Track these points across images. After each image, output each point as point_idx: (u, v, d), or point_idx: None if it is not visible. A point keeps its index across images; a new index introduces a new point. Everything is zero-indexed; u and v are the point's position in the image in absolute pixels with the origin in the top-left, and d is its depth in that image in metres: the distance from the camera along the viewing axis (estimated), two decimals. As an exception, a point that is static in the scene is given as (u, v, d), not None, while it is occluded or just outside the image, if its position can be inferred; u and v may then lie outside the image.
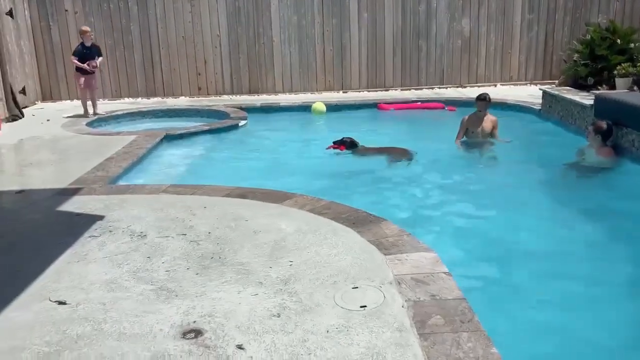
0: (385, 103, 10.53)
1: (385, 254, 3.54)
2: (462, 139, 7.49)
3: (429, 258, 3.45)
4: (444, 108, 10.27)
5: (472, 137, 7.44)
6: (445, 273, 3.24)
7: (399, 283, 3.15)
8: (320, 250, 3.68)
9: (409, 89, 12.07)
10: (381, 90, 12.03)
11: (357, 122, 9.53)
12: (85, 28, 9.74)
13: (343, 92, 12.02)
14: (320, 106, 9.99)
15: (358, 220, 4.15)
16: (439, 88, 12.16)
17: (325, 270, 3.38)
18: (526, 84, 12.31)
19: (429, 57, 12.16)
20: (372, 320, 2.81)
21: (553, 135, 8.13)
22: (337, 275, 3.31)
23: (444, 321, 2.75)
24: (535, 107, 9.48)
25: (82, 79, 9.68)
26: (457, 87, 12.22)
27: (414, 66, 12.17)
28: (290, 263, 3.51)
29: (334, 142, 7.13)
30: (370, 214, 4.25)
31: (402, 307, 2.92)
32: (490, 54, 12.27)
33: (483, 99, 7.44)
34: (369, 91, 12.02)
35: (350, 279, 3.26)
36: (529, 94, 10.91)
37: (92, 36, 9.72)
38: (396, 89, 12.09)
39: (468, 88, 12.04)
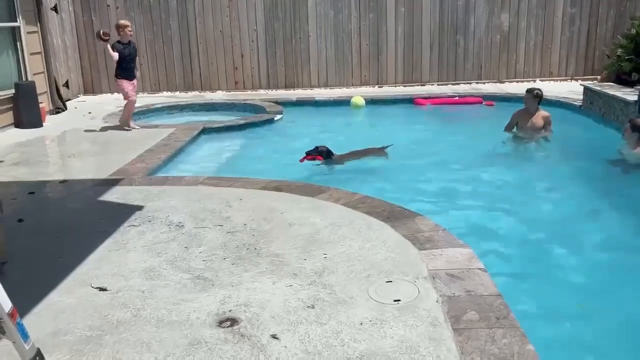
0: (422, 98, 10.44)
1: (419, 249, 3.53)
2: (512, 132, 7.36)
3: (465, 254, 3.42)
4: (482, 103, 10.12)
5: (521, 131, 7.31)
6: (480, 269, 3.21)
7: (434, 278, 3.13)
8: (354, 244, 3.69)
9: (446, 84, 11.93)
10: (417, 85, 11.92)
11: (393, 117, 9.49)
12: (125, 22, 8.08)
13: (379, 87, 11.96)
14: (359, 100, 9.96)
15: (392, 215, 4.14)
16: (477, 83, 11.98)
17: (359, 264, 3.39)
18: (567, 80, 12.01)
19: (467, 52, 11.98)
20: (406, 314, 2.81)
21: (594, 132, 7.93)
22: (370, 269, 3.31)
23: (478, 317, 2.72)
24: (575, 103, 9.24)
25: (131, 87, 8.05)
26: (495, 82, 12.01)
27: (451, 61, 12.01)
28: (324, 256, 3.53)
29: (307, 153, 6.33)
30: (405, 209, 4.25)
31: (437, 302, 2.90)
32: (529, 49, 12.01)
33: (527, 91, 7.34)
34: (404, 86, 11.93)
35: (384, 273, 3.26)
36: (570, 90, 10.64)
37: (131, 32, 8.15)
38: (432, 84, 11.96)
39: (506, 83, 11.83)
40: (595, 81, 10.11)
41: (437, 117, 9.43)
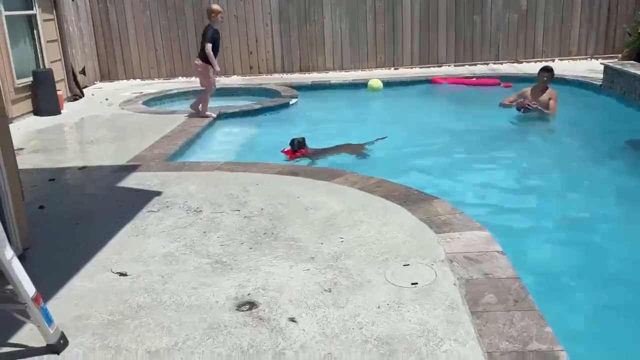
0: (439, 77, 10.34)
1: (437, 232, 3.52)
2: (512, 107, 7.35)
3: (482, 237, 3.40)
4: (499, 84, 9.99)
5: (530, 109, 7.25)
6: (498, 252, 3.20)
7: (451, 261, 3.13)
8: (371, 228, 3.69)
9: (463, 65, 11.79)
10: (434, 67, 11.80)
11: (410, 99, 9.42)
12: (218, 7, 7.51)
13: (394, 69, 11.86)
14: (376, 83, 9.87)
15: (409, 199, 4.13)
16: (494, 64, 11.81)
17: (376, 248, 3.40)
18: (586, 59, 11.78)
19: (484, 32, 11.81)
20: (424, 298, 2.81)
21: (614, 111, 7.79)
22: (388, 253, 3.31)
23: (496, 300, 2.71)
24: (595, 82, 9.07)
25: (212, 74, 7.74)
26: (513, 62, 11.83)
27: (467, 42, 11.85)
28: (341, 240, 3.54)
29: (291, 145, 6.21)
30: (422, 192, 4.23)
31: (454, 285, 2.90)
32: (548, 28, 11.79)
33: (542, 69, 7.29)
34: (420, 67, 11.82)
35: (401, 257, 3.26)
36: (589, 68, 10.46)
37: (222, 19, 7.62)
38: (449, 65, 11.83)
39: (524, 64, 11.64)
40: (616, 60, 9.90)
41: (454, 99, 9.35)
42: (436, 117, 8.00)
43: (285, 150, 6.18)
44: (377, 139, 6.38)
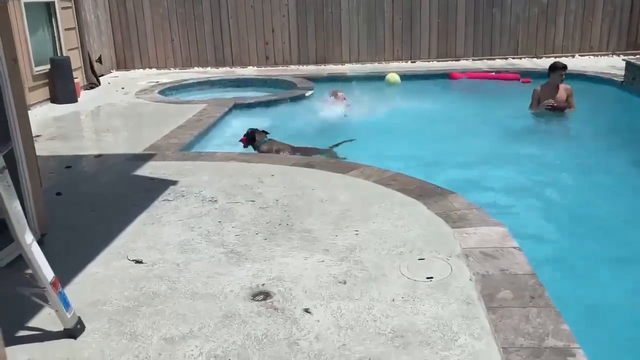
0: (458, 72, 10.28)
1: (453, 227, 3.52)
2: (537, 110, 7.26)
3: (499, 232, 3.39)
4: (519, 79, 9.90)
5: (553, 107, 7.18)
6: (515, 248, 3.19)
7: (467, 256, 3.13)
8: (386, 221, 3.70)
9: (481, 59, 11.71)
10: (452, 60, 11.73)
11: (428, 93, 9.36)
12: None
13: (412, 62, 11.81)
14: (394, 77, 9.85)
15: (425, 193, 4.12)
16: (513, 58, 11.71)
17: (391, 241, 3.40)
18: (608, 55, 11.64)
19: (503, 26, 11.70)
20: (439, 292, 2.81)
21: (636, 108, 7.69)
22: (402, 246, 3.32)
23: (512, 295, 2.71)
24: (617, 79, 8.96)
25: None
26: (532, 57, 11.72)
27: (487, 35, 11.75)
28: (356, 232, 3.55)
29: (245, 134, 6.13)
30: (438, 187, 4.22)
31: (470, 280, 2.90)
32: (569, 23, 11.65)
33: (560, 67, 7.19)
34: (438, 61, 11.75)
35: (416, 251, 3.26)
36: (610, 64, 10.32)
37: None
38: (467, 59, 11.75)
39: (544, 59, 11.51)
40: (639, 56, 9.76)
41: (473, 94, 9.29)
42: (454, 112, 7.96)
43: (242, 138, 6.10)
44: (344, 141, 6.10)
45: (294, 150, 5.96)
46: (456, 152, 6.07)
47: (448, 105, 8.46)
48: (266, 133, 6.11)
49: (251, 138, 6.03)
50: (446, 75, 10.31)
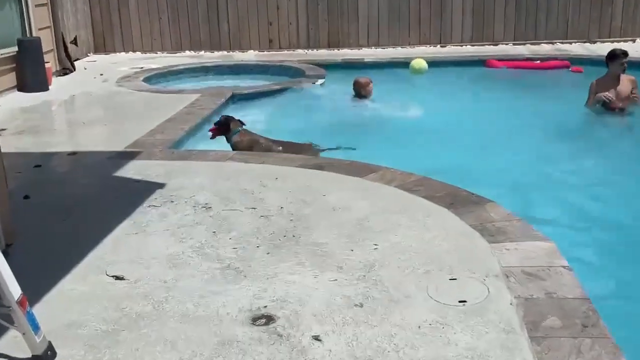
0: (496, 59, 10.27)
1: (490, 242, 3.51)
2: (594, 107, 7.23)
3: (545, 248, 3.38)
4: (568, 68, 9.87)
5: (606, 104, 7.15)
6: (564, 267, 3.17)
7: (507, 276, 3.12)
8: (410, 234, 3.70)
9: (524, 44, 11.69)
10: (488, 45, 11.74)
11: (460, 83, 9.36)
12: None
13: (441, 47, 11.82)
14: (420, 63, 9.84)
15: (457, 201, 4.12)
16: (562, 43, 11.69)
17: (417, 257, 3.40)
18: (675, 39, 11.59)
19: (550, 6, 11.69)
20: (473, 318, 2.80)
21: None
22: (430, 264, 3.32)
23: (561, 324, 2.70)
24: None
25: None
26: (585, 42, 11.68)
27: (530, 16, 11.73)
28: (375, 246, 3.55)
29: (214, 124, 6.19)
30: (472, 194, 4.21)
31: (511, 304, 2.89)
32: (629, 1, 11.60)
33: (621, 54, 7.14)
34: (472, 46, 11.76)
35: (446, 269, 3.26)
36: (679, 51, 10.27)
37: None
38: (507, 44, 11.74)
39: (598, 44, 11.47)
40: None
41: (513, 84, 9.29)
42: (490, 107, 7.95)
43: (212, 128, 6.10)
44: (342, 148, 6.01)
45: (272, 144, 5.93)
46: (493, 153, 6.06)
47: (483, 99, 8.45)
48: (242, 123, 6.08)
49: (226, 126, 6.00)
50: (482, 63, 10.30)
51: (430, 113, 7.78)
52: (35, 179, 5.02)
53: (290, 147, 5.90)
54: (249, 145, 5.86)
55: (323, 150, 6.00)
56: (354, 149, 5.93)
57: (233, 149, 5.89)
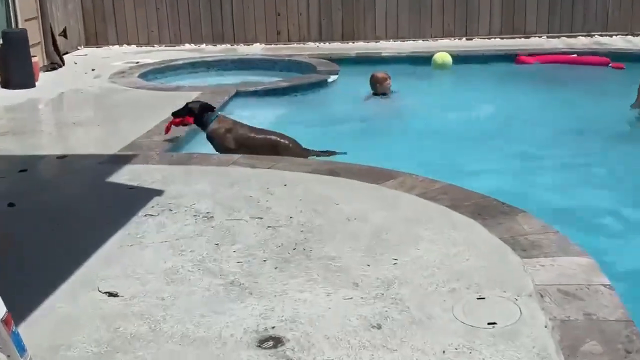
0: (527, 55, 10.24)
1: (522, 257, 3.50)
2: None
3: (584, 264, 3.36)
4: (608, 65, 9.82)
5: None
6: (605, 285, 3.16)
7: (542, 295, 3.10)
8: (434, 247, 3.69)
9: (558, 37, 11.65)
10: (519, 38, 11.70)
11: (489, 80, 9.33)
12: None
13: (467, 40, 11.80)
14: (444, 58, 9.84)
15: (485, 211, 4.11)
16: (601, 36, 11.63)
17: (441, 274, 3.39)
18: None
19: (588, -7, 11.64)
20: (504, 342, 2.79)
21: None
22: (456, 281, 3.31)
23: (602, 349, 2.68)
24: None
25: None
26: (626, 34, 11.62)
27: (566, 5, 11.69)
28: (394, 261, 3.55)
29: (174, 115, 6.07)
30: (503, 203, 4.20)
31: (545, 327, 2.88)
32: (677, -11, 11.55)
33: None
34: (502, 38, 11.72)
35: (474, 287, 3.25)
36: None
37: None
38: (540, 36, 11.70)
39: (643, 36, 11.44)
40: None
41: (546, 82, 9.25)
42: (522, 108, 7.94)
43: (171, 122, 5.99)
44: (331, 152, 5.88)
45: (254, 134, 5.90)
46: (525, 159, 6.05)
47: (513, 99, 8.42)
48: (213, 108, 6.05)
49: (201, 112, 5.92)
50: (512, 58, 10.27)
51: (454, 113, 7.77)
52: (20, 185, 5.05)
53: (270, 142, 5.84)
54: (228, 135, 5.83)
55: (313, 153, 5.90)
56: (345, 153, 5.83)
57: (210, 139, 5.90)
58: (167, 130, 6.02)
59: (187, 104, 6.13)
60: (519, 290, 3.19)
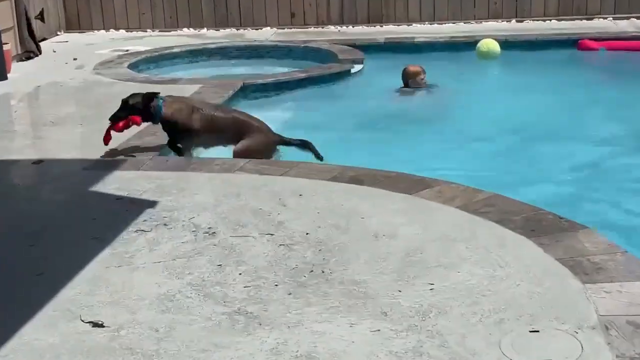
0: (591, 39, 10.19)
1: (584, 281, 3.47)
2: None
3: (658, 291, 3.34)
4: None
5: None
6: (684, 317, 3.13)
7: (607, 328, 3.08)
8: (478, 270, 3.68)
9: (628, 17, 11.60)
10: (580, 19, 11.67)
11: (545, 70, 9.29)
12: None
13: (517, 22, 11.78)
14: (490, 45, 9.81)
15: (540, 226, 4.09)
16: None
17: (486, 301, 3.38)
18: None
19: (664, -35, 11.60)
20: (562, 384, 2.78)
21: None
22: (504, 310, 3.29)
23: (680, 393, 2.66)
24: None
25: None
26: None
27: (637, -19, 11.65)
28: (431, 287, 3.54)
29: (111, 120, 5.84)
30: (561, 217, 4.19)
31: (612, 365, 2.86)
32: None
33: None
34: (559, 20, 11.69)
35: (525, 317, 3.23)
36: None
37: None
38: (606, 17, 11.67)
39: None
40: None
41: (615, 73, 9.19)
42: (585, 102, 7.91)
43: (111, 127, 5.81)
44: (305, 142, 5.99)
45: (218, 111, 5.99)
46: (588, 165, 6.04)
47: (575, 92, 8.38)
48: (157, 93, 5.95)
49: (145, 102, 5.78)
50: (573, 44, 10.24)
51: (501, 111, 7.74)
52: (-10, 195, 5.11)
53: (238, 122, 5.92)
54: (194, 115, 5.80)
55: (285, 140, 6.01)
56: (322, 159, 5.85)
57: (172, 124, 5.81)
58: (107, 140, 5.82)
59: (124, 101, 5.91)
60: (580, 321, 3.16)
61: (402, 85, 8.48)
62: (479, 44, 9.92)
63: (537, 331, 3.12)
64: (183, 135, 5.85)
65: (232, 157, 5.84)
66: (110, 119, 5.84)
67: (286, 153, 6.02)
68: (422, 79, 8.41)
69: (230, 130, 5.93)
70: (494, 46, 9.83)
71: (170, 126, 5.89)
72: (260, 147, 5.91)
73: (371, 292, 3.51)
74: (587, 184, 5.58)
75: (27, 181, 5.53)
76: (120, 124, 5.82)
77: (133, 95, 5.98)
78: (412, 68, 8.48)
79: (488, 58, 9.84)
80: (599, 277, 3.51)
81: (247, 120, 6.03)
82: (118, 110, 5.88)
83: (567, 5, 11.79)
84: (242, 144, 5.89)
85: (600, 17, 11.71)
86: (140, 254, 4.02)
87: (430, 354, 3.00)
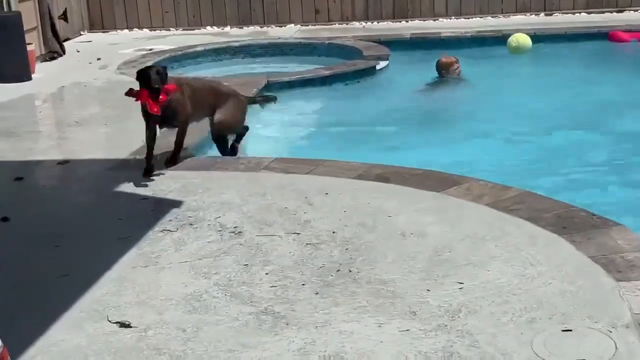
0: (622, 31, 10.11)
1: (618, 279, 3.45)
2: None
3: (694, 289, 3.31)
4: None
5: None
6: None
7: (642, 327, 3.07)
8: (508, 269, 3.66)
9: (659, 10, 11.50)
10: (611, 12, 11.58)
11: (575, 64, 9.21)
12: None
13: (546, 15, 11.70)
14: (521, 39, 9.74)
15: (572, 224, 4.07)
16: None
17: (516, 300, 3.37)
18: None
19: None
20: (596, 384, 2.76)
21: None
22: (535, 309, 3.28)
23: None
24: None
25: None
26: None
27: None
28: (460, 286, 3.53)
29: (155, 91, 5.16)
30: (593, 214, 4.16)
31: (647, 365, 2.84)
32: None
33: None
34: (589, 13, 11.60)
35: (557, 316, 3.21)
36: None
37: None
38: (636, 9, 11.54)
39: None
40: None
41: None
42: (618, 95, 7.84)
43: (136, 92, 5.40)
44: (266, 98, 6.25)
45: (198, 84, 5.85)
46: (621, 160, 5.99)
47: (607, 85, 8.32)
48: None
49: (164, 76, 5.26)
50: (604, 36, 10.16)
51: (530, 106, 7.69)
52: (16, 196, 5.16)
53: (210, 87, 5.93)
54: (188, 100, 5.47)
55: (254, 101, 6.20)
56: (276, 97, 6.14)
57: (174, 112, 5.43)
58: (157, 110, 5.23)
59: (148, 70, 5.40)
60: (613, 320, 3.14)
61: (437, 76, 8.66)
62: (510, 39, 9.86)
63: (570, 330, 3.11)
64: (177, 117, 5.46)
65: (214, 129, 5.82)
66: (150, 89, 5.19)
67: (309, 150, 6.03)
68: (456, 69, 8.61)
69: (209, 100, 5.72)
70: (524, 40, 9.76)
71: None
72: (238, 112, 5.88)
73: (399, 291, 3.51)
74: (619, 181, 5.54)
75: (52, 182, 5.56)
76: (159, 98, 5.19)
77: (157, 67, 5.50)
78: (445, 59, 8.67)
79: (518, 53, 9.78)
80: (632, 274, 3.49)
81: (218, 87, 6.02)
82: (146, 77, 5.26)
83: (597, -2, 11.74)
84: (223, 114, 5.73)
85: (630, 9, 11.60)
86: (166, 254, 4.04)
87: (460, 354, 2.99)
